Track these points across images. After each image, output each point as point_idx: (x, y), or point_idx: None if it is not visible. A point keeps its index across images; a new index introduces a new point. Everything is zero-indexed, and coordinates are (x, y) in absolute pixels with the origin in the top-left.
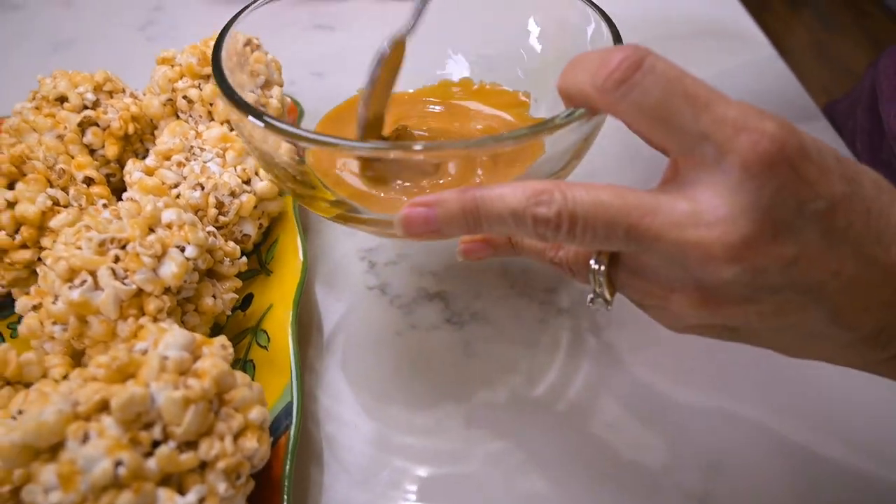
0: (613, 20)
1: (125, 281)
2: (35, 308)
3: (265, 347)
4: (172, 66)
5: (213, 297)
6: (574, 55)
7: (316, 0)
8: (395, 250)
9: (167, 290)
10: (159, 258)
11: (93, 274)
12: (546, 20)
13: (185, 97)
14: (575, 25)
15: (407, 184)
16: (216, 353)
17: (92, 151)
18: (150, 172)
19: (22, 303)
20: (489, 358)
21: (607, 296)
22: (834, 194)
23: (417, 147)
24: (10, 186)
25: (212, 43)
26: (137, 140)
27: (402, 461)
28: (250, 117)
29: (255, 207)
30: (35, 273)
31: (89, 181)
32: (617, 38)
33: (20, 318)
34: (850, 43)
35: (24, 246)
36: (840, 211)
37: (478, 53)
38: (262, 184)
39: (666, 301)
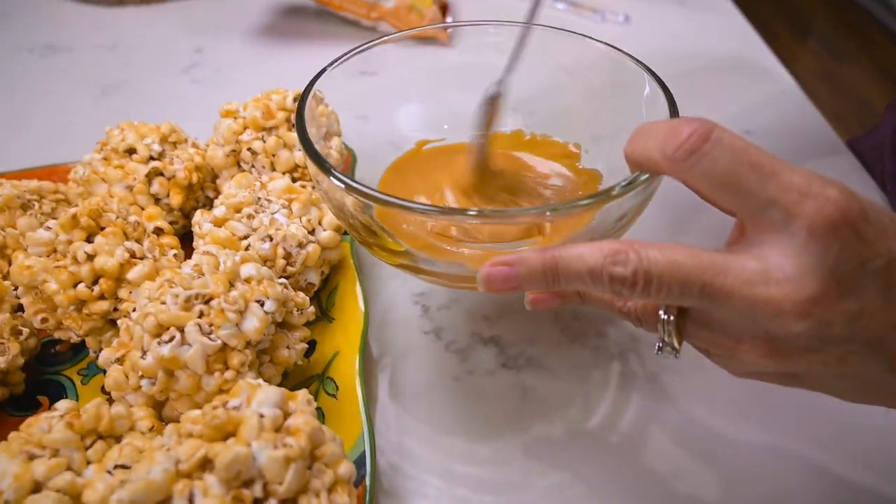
0: (649, 66)
1: (211, 336)
2: (119, 361)
3: (334, 396)
4: (236, 118)
5: (287, 347)
6: (624, 114)
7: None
8: (447, 294)
9: (248, 344)
10: (241, 313)
11: (180, 329)
12: (600, 80)
13: (249, 149)
14: (628, 86)
15: (474, 239)
16: (306, 410)
17: (157, 200)
18: (219, 223)
19: (105, 356)
20: (545, 404)
21: (676, 345)
22: (892, 251)
23: (493, 212)
24: (88, 239)
25: (275, 96)
26: (199, 188)
27: (465, 491)
28: (333, 178)
29: (318, 257)
30: (109, 322)
31: (159, 231)
32: (672, 104)
33: (89, 364)
34: (858, 70)
35: (101, 297)
36: None
37: (528, 109)
38: (326, 233)
39: (733, 351)
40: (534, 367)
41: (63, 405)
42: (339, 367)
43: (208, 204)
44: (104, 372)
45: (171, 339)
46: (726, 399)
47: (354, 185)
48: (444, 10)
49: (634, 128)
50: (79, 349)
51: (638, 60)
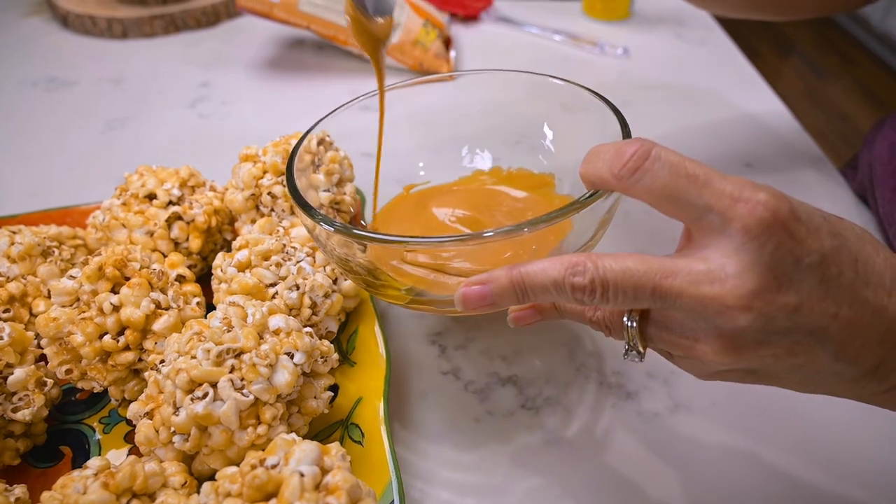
0: (615, 105)
1: (243, 391)
2: (148, 415)
3: (359, 443)
4: (255, 162)
5: (315, 397)
6: (588, 143)
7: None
8: (463, 334)
9: (279, 397)
10: (272, 367)
11: (213, 385)
12: (562, 113)
13: (269, 193)
14: (587, 115)
15: (465, 265)
16: (342, 466)
17: (176, 244)
18: (242, 268)
19: (135, 410)
20: (567, 444)
21: (640, 348)
22: (823, 248)
23: (469, 236)
24: (113, 289)
25: (293, 141)
26: (217, 232)
27: None
28: (322, 224)
29: None
30: (133, 372)
31: (181, 279)
32: (625, 127)
33: (110, 412)
34: (840, 88)
35: (126, 348)
36: (831, 262)
37: (502, 148)
38: (347, 283)
39: (692, 350)
40: (552, 405)
41: (95, 463)
42: (363, 413)
43: (226, 246)
44: (126, 421)
45: (205, 395)
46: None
47: (345, 228)
48: (447, 43)
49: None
50: (98, 397)
51: (593, 91)
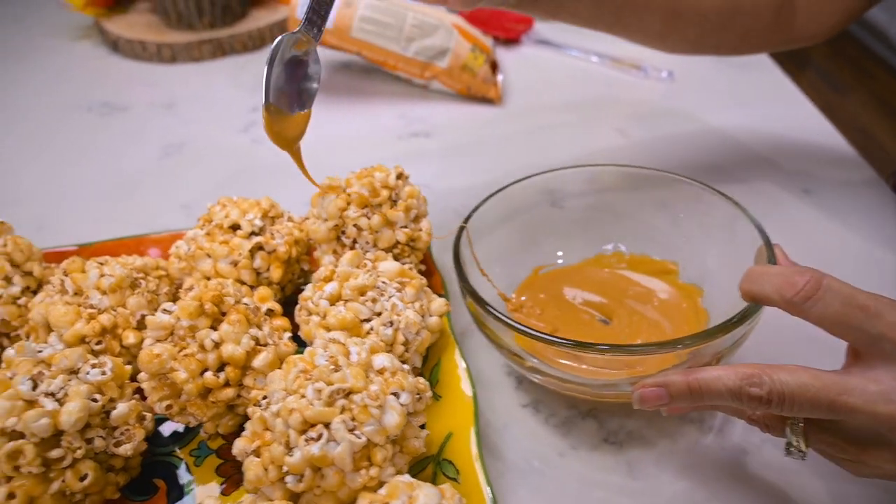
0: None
1: (355, 433)
2: (255, 453)
3: (455, 479)
4: (339, 194)
5: (416, 437)
6: (717, 241)
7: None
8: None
9: (387, 439)
10: (381, 407)
11: (326, 426)
12: (686, 208)
13: (355, 225)
14: (713, 213)
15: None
16: None
17: (257, 274)
18: (332, 300)
19: (240, 447)
20: (654, 479)
21: (803, 448)
22: None
23: (630, 349)
24: (212, 325)
25: (377, 174)
26: (296, 262)
27: None
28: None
29: None
30: (228, 408)
31: (270, 313)
32: (768, 244)
33: (199, 444)
34: (857, 101)
35: (226, 384)
36: None
37: (626, 241)
38: (433, 319)
39: (859, 455)
40: (635, 440)
41: None
42: (454, 448)
43: (303, 277)
44: (216, 453)
45: (319, 436)
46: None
47: (513, 324)
48: (493, 68)
49: (746, 268)
50: (187, 428)
51: (726, 196)
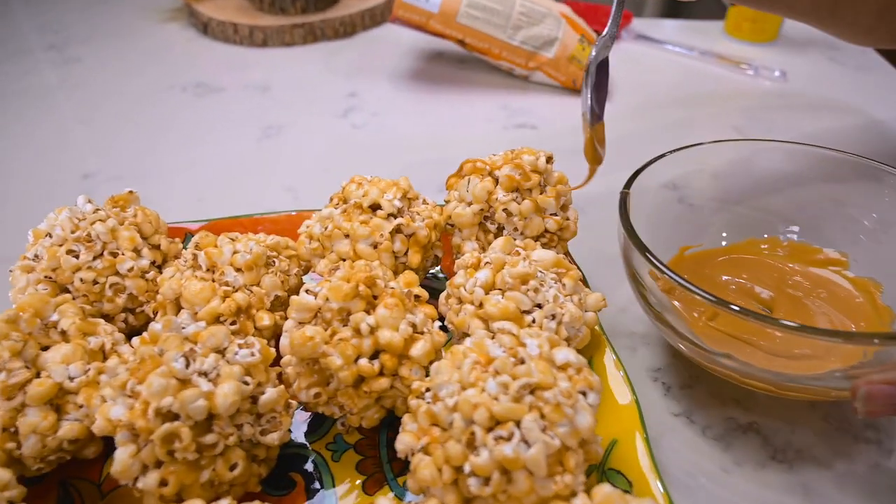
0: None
1: (549, 434)
2: (424, 451)
3: (628, 492)
4: (483, 177)
5: (595, 441)
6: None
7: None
8: (687, 372)
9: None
10: (574, 407)
11: (517, 425)
12: (864, 199)
13: (505, 210)
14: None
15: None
16: None
17: (395, 258)
18: (486, 289)
19: (407, 443)
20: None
21: None
22: None
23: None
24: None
25: (526, 157)
26: (430, 247)
27: None
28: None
29: None
30: (375, 400)
31: (416, 298)
32: None
33: (335, 437)
34: None
35: (380, 373)
36: None
37: (782, 226)
38: (590, 315)
39: None
40: (806, 459)
41: None
42: (622, 457)
43: (436, 263)
44: (353, 448)
45: (510, 436)
46: None
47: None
48: None
49: None
50: (321, 419)
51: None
